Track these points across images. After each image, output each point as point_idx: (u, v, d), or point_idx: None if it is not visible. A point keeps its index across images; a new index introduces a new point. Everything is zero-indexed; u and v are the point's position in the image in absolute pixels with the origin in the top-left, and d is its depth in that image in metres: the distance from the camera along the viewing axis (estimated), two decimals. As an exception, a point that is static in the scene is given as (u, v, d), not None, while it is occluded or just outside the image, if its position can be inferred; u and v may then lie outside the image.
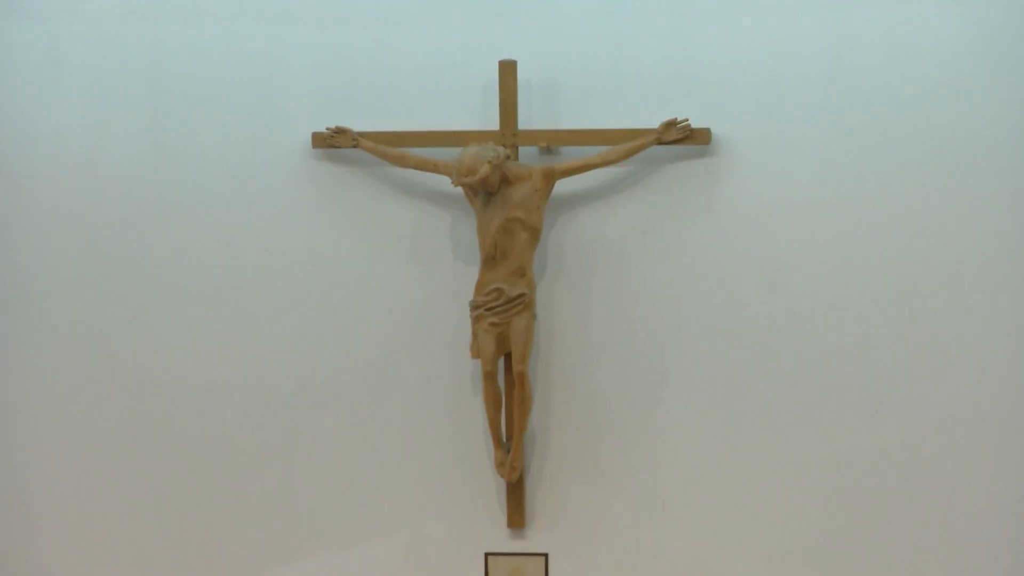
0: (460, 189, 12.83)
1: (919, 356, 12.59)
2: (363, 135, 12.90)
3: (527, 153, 13.03)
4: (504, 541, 13.49)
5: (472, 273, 13.05)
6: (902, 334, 12.62)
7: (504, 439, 13.08)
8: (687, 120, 12.53)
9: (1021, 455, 12.18)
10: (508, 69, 12.68)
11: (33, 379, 13.42)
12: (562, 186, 12.94)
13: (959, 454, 12.44)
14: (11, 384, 13.38)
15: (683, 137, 12.61)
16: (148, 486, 13.58)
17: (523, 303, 12.74)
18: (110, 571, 13.56)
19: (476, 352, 12.87)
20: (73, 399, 13.40)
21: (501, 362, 13.00)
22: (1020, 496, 12.15)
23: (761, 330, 12.94)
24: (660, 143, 12.62)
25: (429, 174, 13.07)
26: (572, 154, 13.00)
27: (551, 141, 12.89)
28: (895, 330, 12.65)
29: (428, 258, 13.45)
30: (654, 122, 12.65)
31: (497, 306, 12.77)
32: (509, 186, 12.65)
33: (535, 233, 12.73)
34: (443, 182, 12.98)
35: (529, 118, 13.00)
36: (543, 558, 13.36)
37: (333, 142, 12.99)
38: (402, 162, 12.90)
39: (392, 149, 12.86)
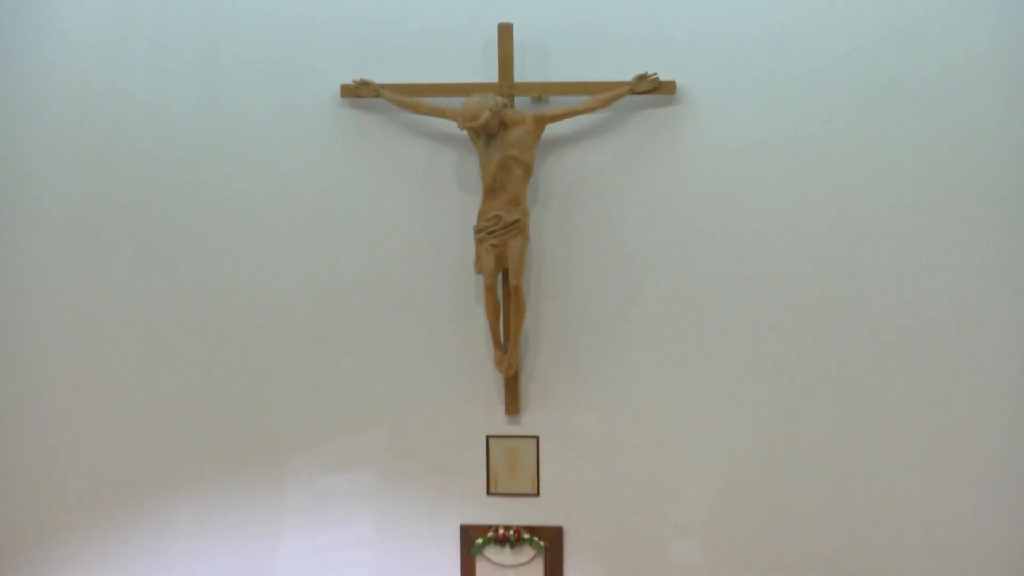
0: (465, 132, 14.42)
1: (851, 271, 13.95)
2: (384, 86, 14.54)
3: (521, 102, 14.56)
4: (502, 426, 15.09)
5: (475, 202, 14.62)
6: (841, 252, 13.96)
7: (502, 341, 14.68)
8: (656, 74, 14.15)
9: (962, 368, 13.58)
10: (505, 30, 14.32)
11: (111, 291, 14.91)
12: (551, 129, 14.51)
13: (887, 353, 13.83)
14: (96, 295, 14.85)
15: (652, 88, 14.19)
16: (208, 379, 15.12)
17: (518, 227, 14.35)
18: (177, 447, 15.13)
19: (479, 268, 14.51)
20: (141, 307, 14.93)
21: (500, 277, 14.58)
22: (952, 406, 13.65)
23: (717, 251, 14.41)
24: (633, 93, 14.23)
25: (438, 119, 14.61)
26: (559, 102, 14.50)
27: (541, 91, 14.48)
28: (834, 248, 13.99)
29: (438, 190, 14.93)
30: (628, 75, 14.22)
31: (496, 230, 14.35)
32: (506, 129, 14.23)
33: (528, 169, 14.32)
34: (450, 126, 14.53)
35: (523, 72, 14.52)
36: (535, 440, 15.06)
37: (358, 92, 14.62)
38: (416, 109, 14.51)
39: (408, 98, 14.50)
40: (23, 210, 14.66)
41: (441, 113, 14.52)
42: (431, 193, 15.03)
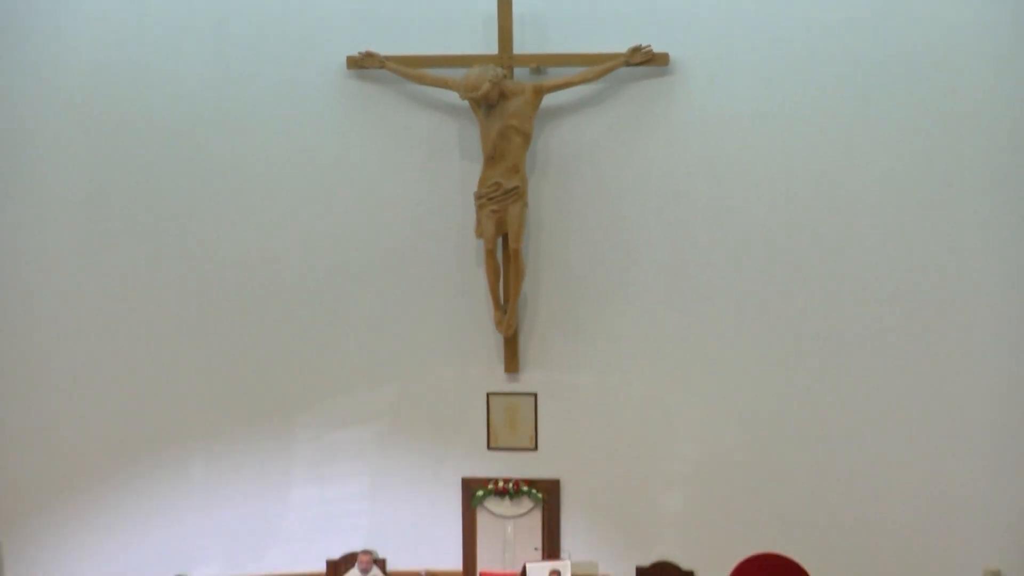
0: (466, 102, 14.96)
1: (838, 238, 14.49)
2: (388, 58, 15.11)
3: (520, 73, 15.12)
4: (502, 383, 15.75)
5: (476, 170, 15.19)
6: (828, 220, 14.50)
7: (502, 302, 15.32)
8: (649, 46, 14.72)
9: (945, 334, 14.10)
10: (505, 4, 14.87)
11: (128, 256, 15.48)
12: (549, 100, 15.05)
13: (872, 318, 14.39)
14: (114, 260, 15.41)
15: (646, 60, 14.77)
16: (221, 340, 15.74)
17: (517, 194, 14.96)
18: (191, 405, 15.71)
19: (479, 233, 15.14)
20: (157, 272, 15.53)
21: (500, 241, 15.21)
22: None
23: (709, 217, 14.98)
24: (628, 65, 14.81)
25: (441, 90, 15.18)
26: (557, 74, 15.05)
27: (540, 63, 15.04)
28: (822, 216, 14.53)
29: (440, 158, 15.50)
30: (623, 48, 14.78)
31: (496, 196, 14.97)
32: (506, 100, 14.81)
33: (527, 138, 14.91)
34: (452, 96, 15.10)
35: (522, 44, 15.08)
36: (533, 397, 15.73)
37: (363, 63, 15.20)
38: (419, 80, 15.10)
39: (411, 69, 15.09)
40: (44, 180, 15.18)
41: (443, 84, 15.06)
42: (434, 161, 15.57)
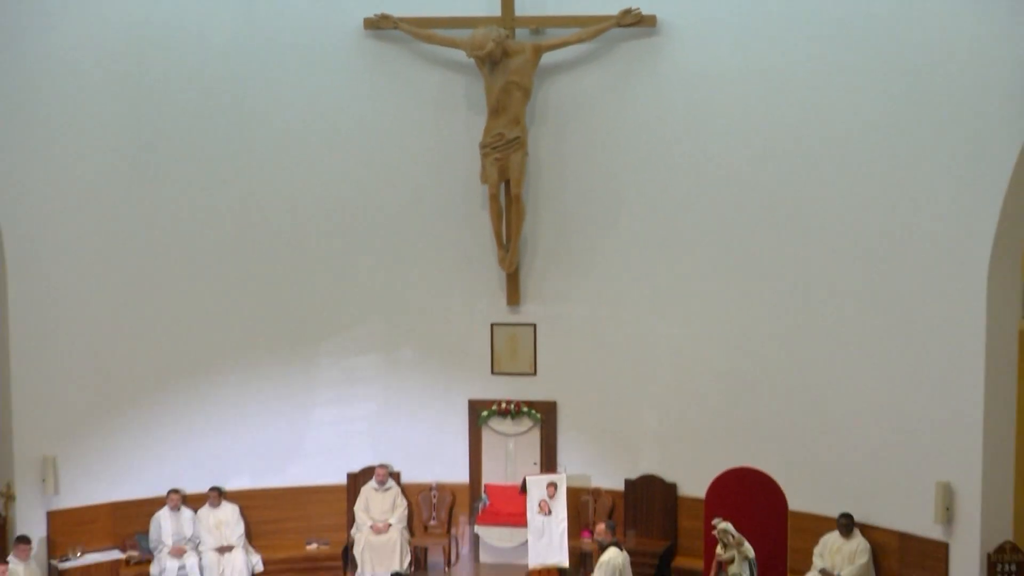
0: (472, 60, 16.12)
1: (810, 185, 15.26)
2: (402, 19, 16.26)
3: (521, 33, 16.29)
4: (504, 315, 17.06)
5: (481, 122, 16.38)
6: (802, 169, 15.30)
7: (504, 242, 16.57)
8: (639, 8, 15.81)
9: (903, 265, 14.59)
10: None
11: (167, 199, 16.50)
12: (547, 58, 16.21)
13: (839, 252, 15.04)
14: (154, 203, 16.40)
15: (636, 21, 15.86)
16: (251, 275, 16.88)
17: (518, 143, 16.16)
18: (227, 333, 16.92)
19: (484, 179, 16.37)
20: (193, 214, 16.62)
21: (502, 187, 16.42)
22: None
23: (692, 165, 16.04)
24: (619, 25, 15.91)
25: (449, 48, 16.33)
26: (554, 34, 16.21)
27: (539, 24, 16.23)
28: (795, 165, 15.35)
29: (448, 110, 16.68)
30: (615, 10, 15.90)
31: (499, 145, 16.17)
32: (508, 58, 15.95)
33: (527, 92, 16.08)
34: (460, 54, 16.26)
35: (523, 7, 16.23)
36: (532, 327, 17.07)
37: (379, 24, 16.34)
38: (429, 39, 16.25)
39: (422, 29, 16.24)
40: (90, 132, 16.03)
41: (451, 43, 16.20)
42: (442, 113, 16.73)
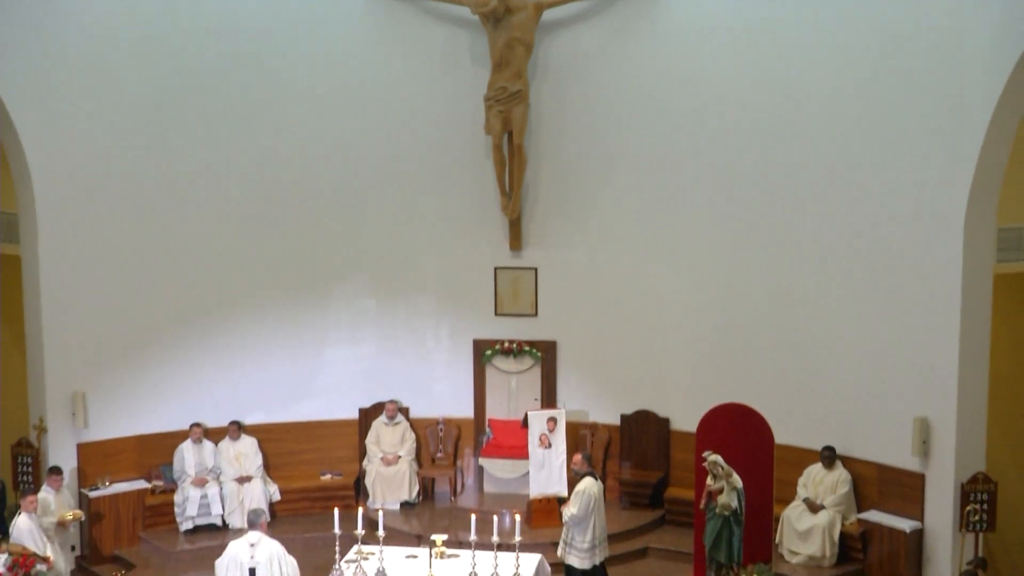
0: (477, 16, 16.59)
1: (798, 135, 15.54)
2: None
3: None
4: (507, 259, 17.65)
5: (485, 75, 16.88)
6: (790, 119, 15.60)
7: (507, 190, 17.11)
8: None
9: (885, 213, 14.93)
10: None
11: (187, 154, 16.86)
12: (548, 14, 16.67)
13: (827, 200, 15.44)
14: (175, 156, 16.77)
15: None
16: (269, 222, 17.43)
17: (521, 96, 16.69)
18: (244, 276, 17.39)
19: (488, 130, 16.87)
20: (213, 165, 17.06)
21: (505, 138, 16.93)
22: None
23: (687, 115, 16.49)
24: None
25: (455, 5, 16.75)
26: None
27: None
28: (784, 116, 15.65)
29: (454, 65, 17.15)
30: None
31: (503, 98, 16.70)
32: (511, 14, 16.45)
33: (529, 48, 16.57)
34: (465, 11, 16.72)
35: None
36: (534, 271, 17.63)
37: None
38: None
39: None
40: (116, 85, 16.34)
41: (456, 0, 16.62)
42: (448, 68, 17.17)
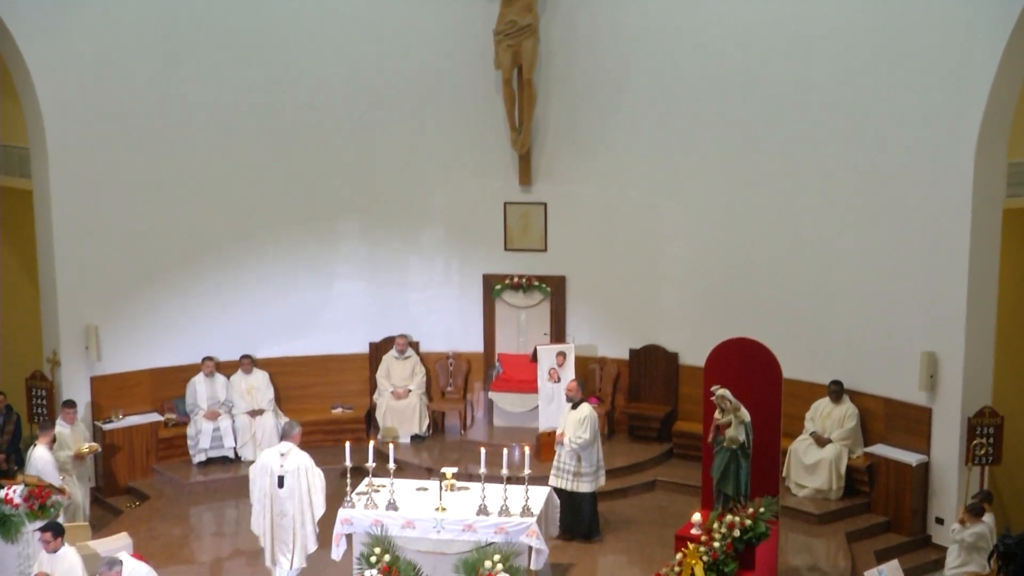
0: None
1: (802, 70, 15.59)
2: None
3: None
4: (517, 194, 17.71)
5: (495, 9, 16.87)
6: (794, 58, 15.64)
7: (517, 125, 17.13)
8: None
9: (888, 145, 15.00)
10: None
11: (205, 86, 16.95)
12: None
13: (830, 132, 15.43)
14: (193, 77, 16.84)
15: None
16: (282, 155, 17.46)
17: (530, 30, 16.68)
18: (259, 209, 17.52)
19: (497, 64, 16.89)
20: (229, 100, 17.12)
21: (515, 72, 16.94)
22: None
23: (695, 48, 16.49)
24: None
25: None
26: None
27: None
28: (787, 52, 15.70)
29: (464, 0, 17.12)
30: None
31: (512, 32, 16.71)
32: None
33: None
34: None
35: None
36: (543, 206, 17.71)
37: None
38: None
39: None
40: (126, 15, 16.32)
41: None
42: (458, 2, 17.09)
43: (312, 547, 13.39)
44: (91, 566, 11.94)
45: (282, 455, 13.30)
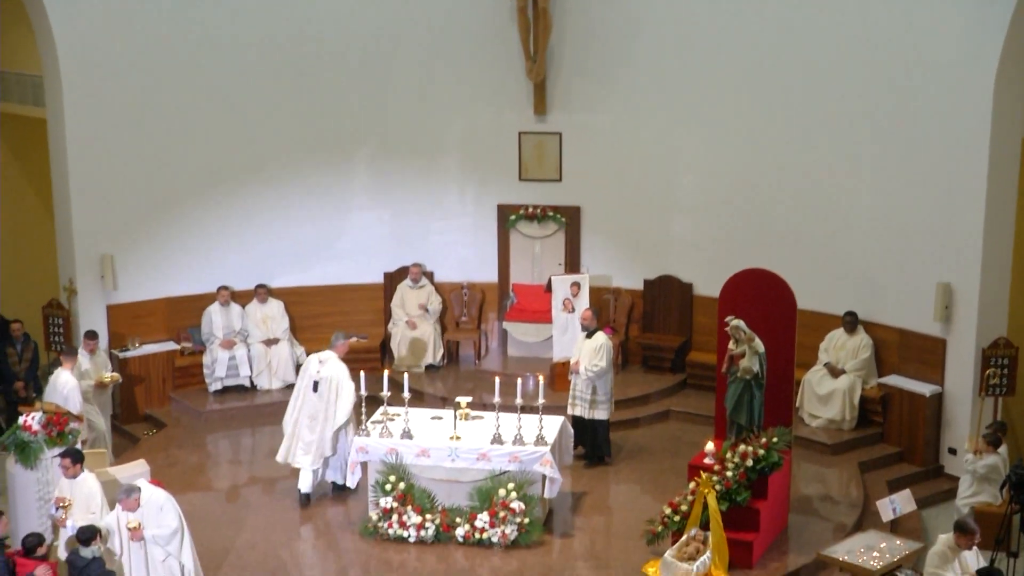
0: None
1: (819, 3, 15.59)
2: None
3: None
4: (532, 124, 17.66)
5: None
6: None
7: (532, 54, 17.03)
8: None
9: (901, 80, 14.99)
10: None
11: (222, 28, 16.94)
12: None
13: (844, 65, 15.47)
14: (212, 11, 16.82)
15: None
16: (294, 87, 17.45)
17: None
18: (272, 140, 17.51)
19: None
20: (244, 27, 17.03)
21: (530, 0, 16.76)
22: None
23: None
24: None
25: None
26: None
27: None
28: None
29: None
30: None
31: None
32: None
33: None
34: None
35: None
36: (558, 136, 17.66)
37: None
38: None
39: None
40: None
41: None
42: None
43: (328, 452, 13.99)
44: (110, 492, 12.07)
45: (321, 362, 14.13)
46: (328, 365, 13.99)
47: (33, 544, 11.11)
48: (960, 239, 14.82)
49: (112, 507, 11.74)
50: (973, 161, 14.52)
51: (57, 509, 11.82)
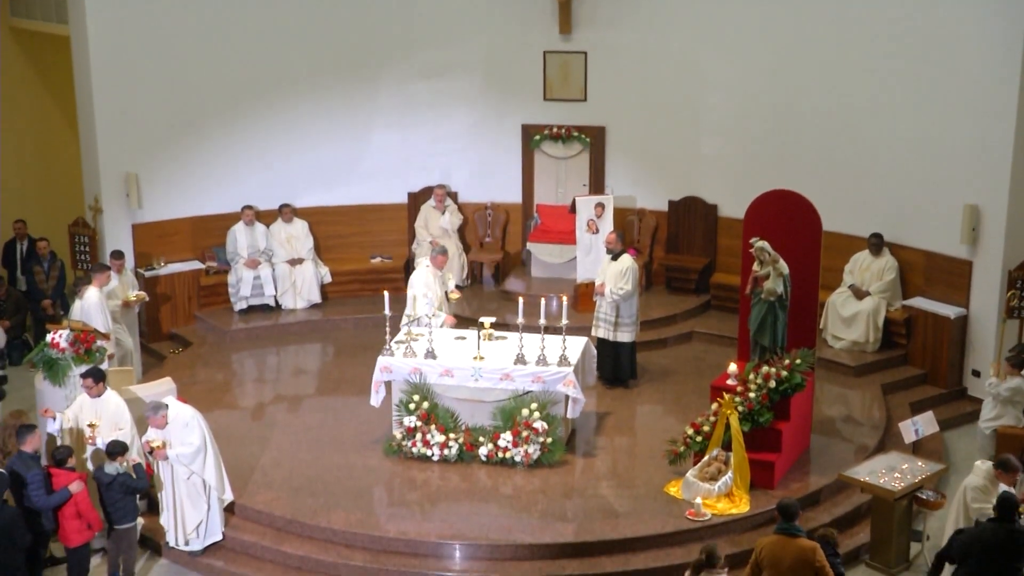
0: None
1: None
2: None
3: None
4: (557, 42, 17.54)
5: None
6: None
7: None
8: None
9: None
10: None
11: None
12: None
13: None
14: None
15: None
16: (321, 4, 17.38)
17: None
18: (298, 58, 17.43)
19: None
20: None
21: None
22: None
23: None
24: None
25: None
26: None
27: None
28: None
29: None
30: None
31: None
32: None
33: None
34: None
35: None
36: (583, 55, 17.55)
37: None
38: None
39: None
40: None
41: None
42: None
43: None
44: (136, 409, 12.21)
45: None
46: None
47: (64, 456, 11.26)
48: (989, 161, 14.70)
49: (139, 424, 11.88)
50: (1003, 80, 14.38)
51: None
